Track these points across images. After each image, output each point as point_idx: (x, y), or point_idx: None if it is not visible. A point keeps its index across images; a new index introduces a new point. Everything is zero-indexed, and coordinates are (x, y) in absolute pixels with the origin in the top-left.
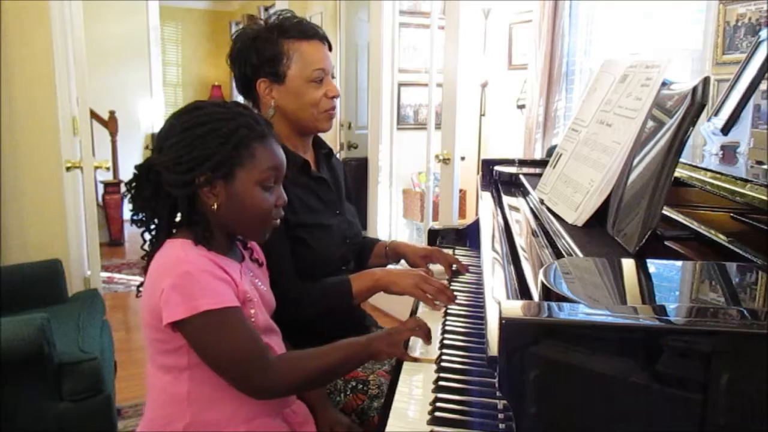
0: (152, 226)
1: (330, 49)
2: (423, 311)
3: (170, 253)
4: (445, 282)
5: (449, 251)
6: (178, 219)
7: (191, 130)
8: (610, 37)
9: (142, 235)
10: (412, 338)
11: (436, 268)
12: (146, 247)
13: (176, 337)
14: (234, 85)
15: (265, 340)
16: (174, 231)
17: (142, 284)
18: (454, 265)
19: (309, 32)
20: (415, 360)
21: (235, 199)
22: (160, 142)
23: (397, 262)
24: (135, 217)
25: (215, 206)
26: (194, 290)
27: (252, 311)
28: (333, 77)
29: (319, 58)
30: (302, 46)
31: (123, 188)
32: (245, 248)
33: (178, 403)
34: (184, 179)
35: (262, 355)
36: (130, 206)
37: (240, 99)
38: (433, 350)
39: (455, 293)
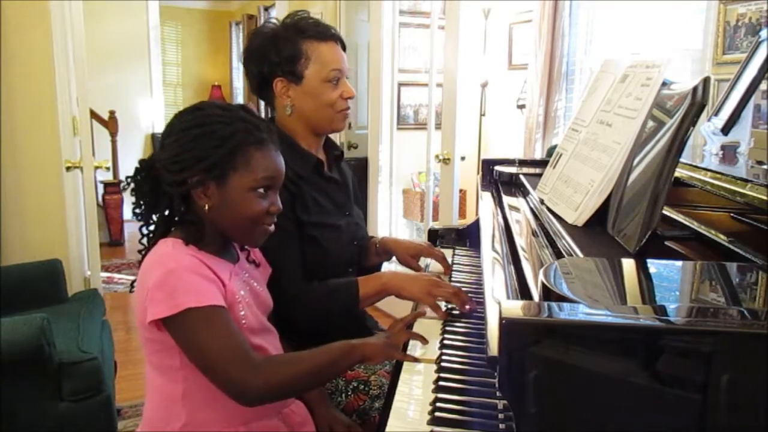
0: (151, 221)
1: (344, 50)
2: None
3: (159, 252)
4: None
5: (449, 251)
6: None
7: (189, 131)
8: (610, 37)
9: (140, 229)
10: (411, 339)
11: (436, 267)
12: (144, 241)
13: (165, 336)
14: (234, 84)
15: (260, 341)
16: (173, 229)
17: (135, 281)
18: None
19: (326, 33)
20: (416, 360)
21: (227, 202)
22: (162, 139)
23: (389, 259)
24: (136, 210)
25: (207, 207)
26: (177, 288)
27: (241, 312)
28: (347, 78)
29: (336, 59)
30: (320, 46)
31: (125, 183)
32: (242, 249)
33: (174, 404)
34: (177, 178)
35: (246, 356)
36: (132, 198)
37: (240, 100)
38: (433, 350)
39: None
